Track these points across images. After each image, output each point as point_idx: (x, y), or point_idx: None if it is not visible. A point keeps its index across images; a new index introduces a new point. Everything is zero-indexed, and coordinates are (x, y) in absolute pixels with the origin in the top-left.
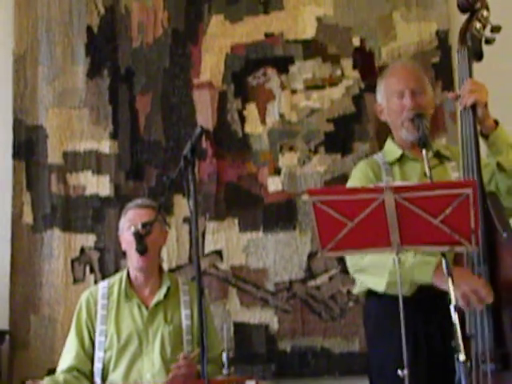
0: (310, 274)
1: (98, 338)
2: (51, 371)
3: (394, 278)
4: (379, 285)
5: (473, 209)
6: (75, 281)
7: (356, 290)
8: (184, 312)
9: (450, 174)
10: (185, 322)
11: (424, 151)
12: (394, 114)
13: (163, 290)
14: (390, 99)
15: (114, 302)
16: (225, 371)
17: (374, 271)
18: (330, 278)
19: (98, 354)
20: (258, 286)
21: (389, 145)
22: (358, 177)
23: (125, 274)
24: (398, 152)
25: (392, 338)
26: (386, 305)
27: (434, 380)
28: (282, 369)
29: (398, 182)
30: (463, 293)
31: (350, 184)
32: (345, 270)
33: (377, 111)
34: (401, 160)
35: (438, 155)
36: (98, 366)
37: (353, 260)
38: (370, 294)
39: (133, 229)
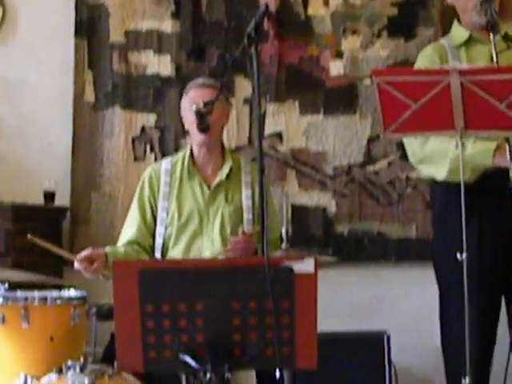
0: (369, 158)
1: (160, 214)
2: None
3: (455, 165)
4: (440, 173)
5: None
6: (136, 159)
7: (424, 175)
8: (245, 192)
9: None
10: (245, 202)
11: (492, 35)
12: None
13: (225, 170)
14: None
15: (177, 180)
16: (284, 245)
17: (435, 159)
18: (389, 164)
19: (160, 230)
20: (316, 169)
21: (456, 28)
22: (423, 61)
23: (188, 152)
24: (465, 34)
25: (456, 222)
26: (453, 190)
27: (501, 265)
28: (338, 252)
29: (465, 65)
30: None
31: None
32: (404, 156)
33: None
34: (468, 43)
35: (506, 37)
36: (158, 242)
37: (413, 150)
38: None
39: (194, 107)
